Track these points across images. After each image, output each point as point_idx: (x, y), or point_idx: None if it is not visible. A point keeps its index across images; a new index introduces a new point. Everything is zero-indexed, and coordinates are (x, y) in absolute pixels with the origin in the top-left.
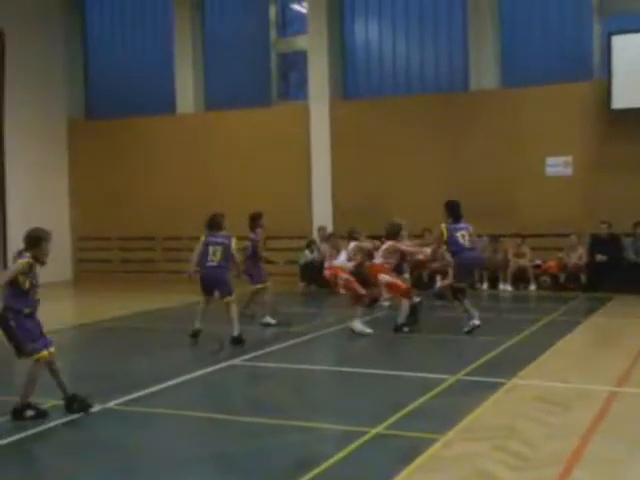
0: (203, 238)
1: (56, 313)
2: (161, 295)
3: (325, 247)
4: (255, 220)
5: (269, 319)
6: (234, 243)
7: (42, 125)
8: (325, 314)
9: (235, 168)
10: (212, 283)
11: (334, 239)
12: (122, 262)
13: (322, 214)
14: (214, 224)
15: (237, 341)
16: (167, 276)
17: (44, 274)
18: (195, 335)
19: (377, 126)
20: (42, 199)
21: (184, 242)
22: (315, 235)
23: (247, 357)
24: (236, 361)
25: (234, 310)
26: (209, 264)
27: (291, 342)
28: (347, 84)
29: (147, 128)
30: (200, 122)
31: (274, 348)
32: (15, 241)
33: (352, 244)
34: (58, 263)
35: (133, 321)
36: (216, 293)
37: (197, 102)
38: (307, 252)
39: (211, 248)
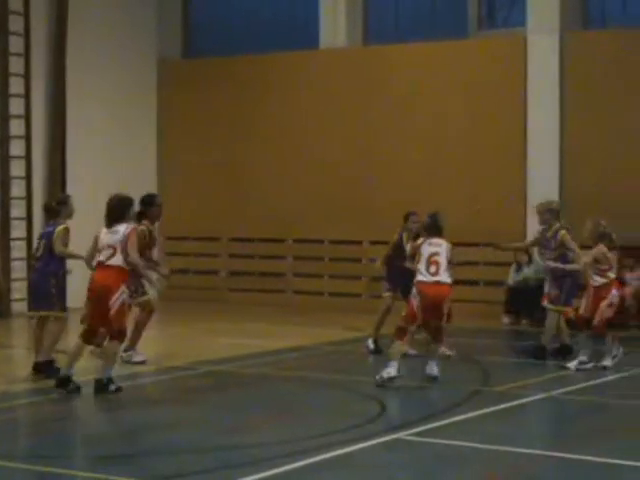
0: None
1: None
2: (296, 327)
3: None
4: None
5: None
6: None
7: (125, 68)
8: (544, 368)
9: (409, 135)
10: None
11: None
12: (231, 275)
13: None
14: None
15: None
16: (302, 298)
17: None
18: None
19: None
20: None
21: (345, 248)
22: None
23: (419, 429)
24: (402, 434)
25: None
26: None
27: (487, 410)
28: (590, 5)
29: (274, 68)
30: (355, 61)
31: (463, 417)
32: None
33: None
34: None
35: (246, 364)
36: None
37: (352, 31)
38: (513, 268)
39: None
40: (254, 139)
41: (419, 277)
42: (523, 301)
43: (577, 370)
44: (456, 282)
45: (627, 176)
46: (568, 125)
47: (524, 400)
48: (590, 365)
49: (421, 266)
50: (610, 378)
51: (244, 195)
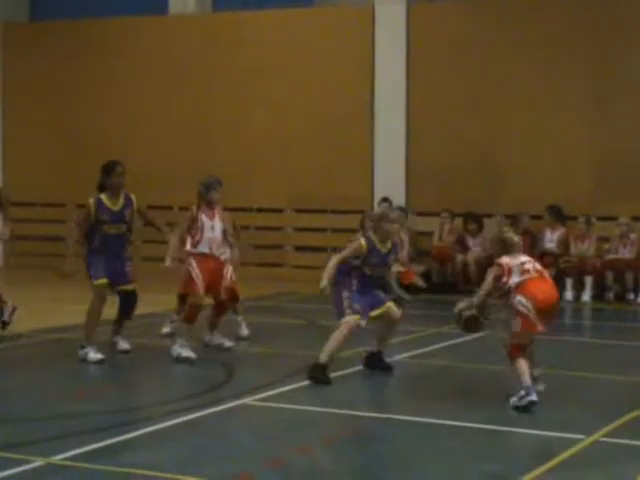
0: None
1: None
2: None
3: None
4: None
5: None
6: None
7: None
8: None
9: (254, 101)
10: None
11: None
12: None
13: (388, 178)
14: None
15: None
16: (145, 265)
17: None
18: None
19: (485, 41)
20: None
21: (175, 213)
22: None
23: (264, 394)
24: (246, 400)
25: None
26: None
27: (332, 375)
28: None
29: (121, 33)
30: (204, 28)
31: (306, 383)
32: None
33: None
34: None
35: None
36: None
37: None
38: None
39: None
40: (101, 104)
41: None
42: None
43: None
44: (303, 248)
45: (470, 145)
46: (414, 94)
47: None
48: None
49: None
50: (456, 341)
51: (91, 161)
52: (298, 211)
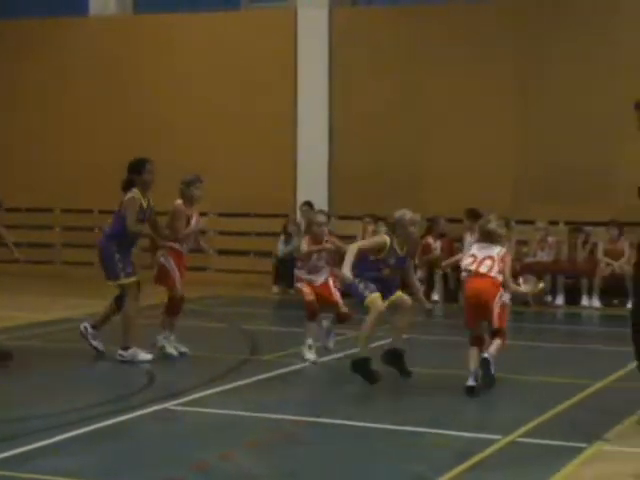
0: None
1: None
2: (63, 299)
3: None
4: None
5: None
6: None
7: None
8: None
9: (178, 105)
10: None
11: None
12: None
13: (311, 182)
14: None
15: None
16: (71, 269)
17: None
18: None
19: (407, 46)
20: None
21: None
22: (299, 216)
23: (186, 399)
24: (167, 404)
25: None
26: None
27: (254, 378)
28: None
29: (41, 34)
30: (126, 30)
31: (230, 386)
32: None
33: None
34: None
35: (19, 337)
36: None
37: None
38: (282, 240)
39: None
40: (19, 106)
41: None
42: (292, 271)
43: None
44: (227, 252)
45: (393, 149)
46: (337, 98)
47: (292, 368)
48: None
49: None
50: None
51: (9, 164)
52: (221, 215)
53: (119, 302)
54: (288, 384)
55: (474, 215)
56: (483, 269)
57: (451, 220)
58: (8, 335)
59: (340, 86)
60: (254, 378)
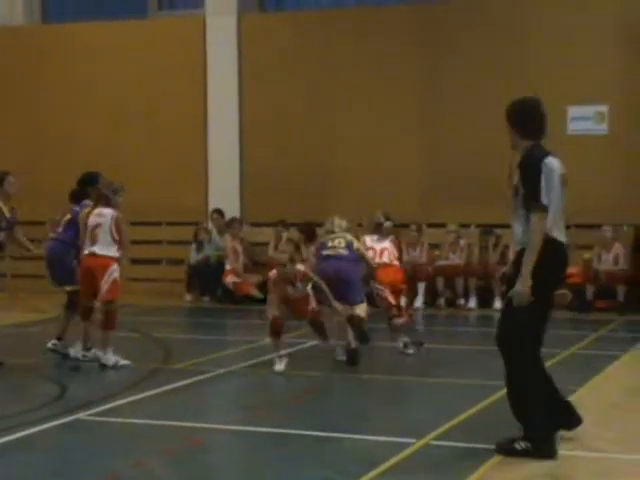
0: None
1: None
2: None
3: (228, 241)
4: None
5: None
6: None
7: None
8: (225, 344)
9: (87, 114)
10: None
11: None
12: None
13: (223, 190)
14: None
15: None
16: None
17: None
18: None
19: (315, 52)
20: None
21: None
22: (210, 223)
23: (98, 409)
24: (81, 414)
25: None
26: None
27: (167, 387)
28: None
29: None
30: (33, 39)
31: (142, 395)
32: None
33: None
34: None
35: None
36: None
37: (29, 8)
38: (194, 248)
39: None
40: None
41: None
42: (205, 279)
43: None
44: (139, 261)
45: (304, 156)
46: (246, 105)
47: (204, 376)
48: None
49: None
50: (297, 348)
51: None
52: (133, 224)
53: (71, 307)
54: (201, 392)
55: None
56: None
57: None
58: None
59: (250, 92)
60: (167, 387)
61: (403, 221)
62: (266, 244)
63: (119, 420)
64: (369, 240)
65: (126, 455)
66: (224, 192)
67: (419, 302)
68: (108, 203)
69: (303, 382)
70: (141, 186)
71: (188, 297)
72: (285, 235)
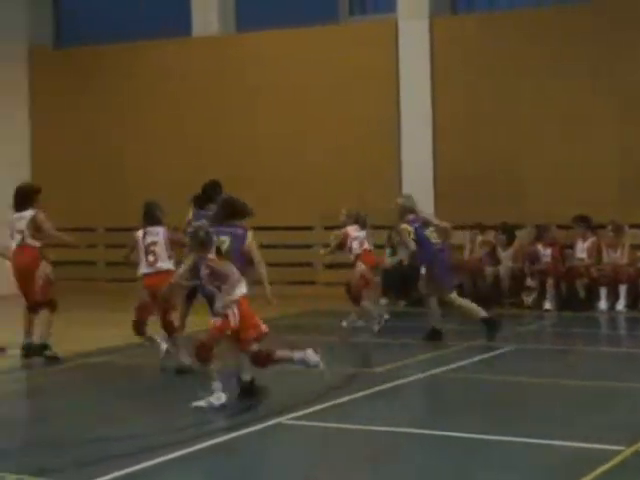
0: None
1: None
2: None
3: None
4: None
5: None
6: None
7: None
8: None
9: (280, 119)
10: None
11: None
12: (108, 265)
13: (416, 192)
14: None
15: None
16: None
17: None
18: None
19: (511, 55)
20: None
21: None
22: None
23: (300, 413)
24: (282, 419)
25: None
26: None
27: (368, 392)
28: None
29: (145, 57)
30: (227, 48)
31: (342, 400)
32: None
33: None
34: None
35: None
36: None
37: (224, 18)
38: (387, 251)
39: None
40: (127, 129)
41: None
42: (400, 282)
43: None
44: (335, 266)
45: (496, 156)
46: (439, 107)
47: (402, 381)
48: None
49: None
50: (485, 356)
51: (115, 183)
52: (326, 228)
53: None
54: (399, 396)
55: (584, 221)
56: None
57: (560, 226)
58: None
59: (443, 95)
60: (366, 392)
61: (600, 221)
62: (459, 247)
63: (320, 424)
64: (352, 230)
65: (329, 460)
66: (418, 194)
67: (621, 305)
68: None
69: (498, 387)
70: (333, 189)
71: (383, 301)
72: (479, 238)
